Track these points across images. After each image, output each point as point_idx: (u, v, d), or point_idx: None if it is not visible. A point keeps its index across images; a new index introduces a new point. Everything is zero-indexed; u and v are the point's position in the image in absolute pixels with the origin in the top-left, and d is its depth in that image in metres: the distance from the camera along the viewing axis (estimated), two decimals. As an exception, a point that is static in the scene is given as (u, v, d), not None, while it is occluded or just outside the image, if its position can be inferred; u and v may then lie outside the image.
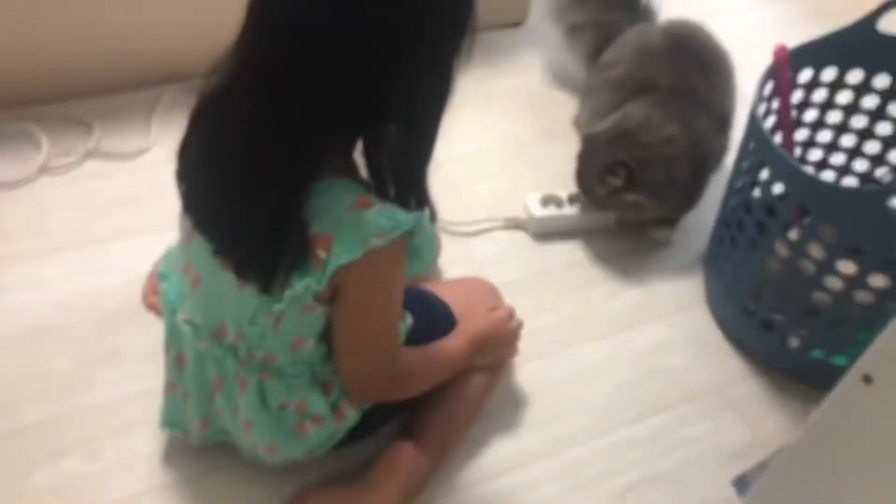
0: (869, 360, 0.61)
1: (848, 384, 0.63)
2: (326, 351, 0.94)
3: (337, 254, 0.80)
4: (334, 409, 0.97)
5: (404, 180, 0.85)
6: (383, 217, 0.81)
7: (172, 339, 0.99)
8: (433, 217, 0.89)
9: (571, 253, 1.41)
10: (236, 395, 0.95)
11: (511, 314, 1.15)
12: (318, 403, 0.95)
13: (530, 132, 1.61)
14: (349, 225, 0.80)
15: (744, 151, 1.20)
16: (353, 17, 0.73)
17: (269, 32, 0.77)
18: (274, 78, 0.77)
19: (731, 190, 1.26)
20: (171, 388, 1.02)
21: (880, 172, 1.41)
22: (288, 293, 0.83)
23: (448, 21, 0.79)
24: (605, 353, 1.27)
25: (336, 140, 0.82)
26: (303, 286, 0.82)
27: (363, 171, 0.85)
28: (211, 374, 0.95)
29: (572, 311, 1.32)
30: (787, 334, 1.22)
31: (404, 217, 0.83)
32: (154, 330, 1.08)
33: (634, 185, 1.32)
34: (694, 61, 1.42)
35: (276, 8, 0.76)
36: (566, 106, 1.63)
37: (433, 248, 0.94)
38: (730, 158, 1.35)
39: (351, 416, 0.98)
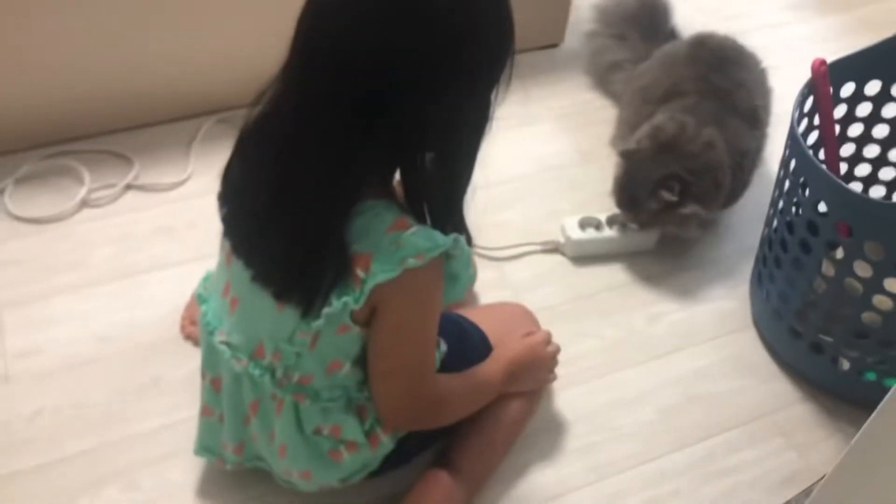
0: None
1: (889, 407, 0.60)
2: (362, 376, 0.93)
3: (374, 273, 0.81)
4: (369, 435, 0.96)
5: (441, 208, 0.86)
6: (421, 238, 0.82)
7: (210, 362, 0.99)
8: (469, 242, 0.89)
9: (610, 276, 1.38)
10: (272, 418, 0.94)
11: (548, 339, 1.12)
12: (352, 429, 0.94)
13: (567, 154, 1.59)
14: (387, 245, 0.81)
15: (784, 169, 1.17)
16: (394, 50, 0.75)
17: (312, 64, 0.79)
18: (316, 107, 0.79)
19: (774, 209, 1.23)
20: (207, 412, 1.01)
21: (932, 187, 1.36)
22: (326, 310, 0.83)
23: (487, 52, 0.81)
24: (647, 379, 1.24)
25: (375, 167, 0.83)
26: (341, 304, 0.83)
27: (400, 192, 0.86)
28: (248, 396, 0.95)
29: (613, 336, 1.29)
30: (837, 356, 1.18)
31: (441, 238, 0.83)
32: (191, 360, 1.09)
33: (688, 197, 1.29)
34: (714, 62, 1.42)
35: (319, 39, 0.78)
36: (603, 127, 1.61)
37: (469, 272, 0.93)
38: (772, 165, 1.31)
39: (386, 443, 0.97)
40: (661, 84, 1.45)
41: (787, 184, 1.16)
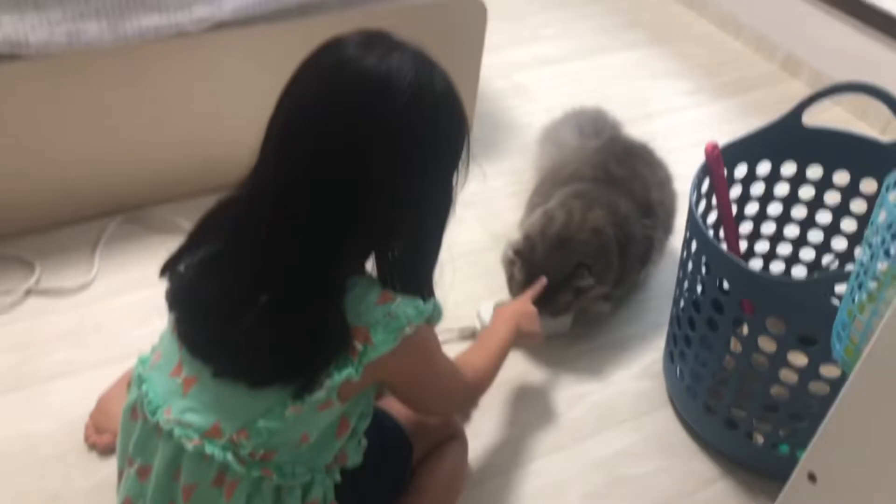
0: (811, 457, 0.59)
1: (794, 484, 0.61)
2: (327, 461, 0.94)
3: (376, 345, 0.85)
4: None
5: (412, 284, 0.90)
6: (409, 307, 0.87)
7: (142, 448, 0.94)
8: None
9: (528, 361, 1.39)
10: (213, 500, 0.90)
11: (528, 307, 1.25)
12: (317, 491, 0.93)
13: (480, 240, 1.61)
14: (382, 317, 0.85)
15: (687, 250, 1.21)
16: (362, 153, 0.81)
17: (285, 163, 0.83)
18: (292, 205, 0.83)
19: (680, 289, 1.26)
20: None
21: (827, 260, 1.42)
22: (328, 383, 0.85)
23: (448, 145, 0.87)
24: (570, 464, 1.23)
25: (356, 248, 0.87)
26: (343, 376, 0.84)
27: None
28: (185, 479, 0.90)
29: (534, 422, 1.29)
30: (751, 431, 1.20)
31: (422, 305, 0.88)
32: (97, 470, 1.03)
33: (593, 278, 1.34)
34: (620, 154, 1.49)
35: (291, 142, 0.83)
36: (512, 213, 1.64)
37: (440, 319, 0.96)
38: (676, 245, 1.35)
39: None
40: (567, 168, 1.50)
41: (690, 264, 1.20)
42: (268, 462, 0.89)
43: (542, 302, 1.35)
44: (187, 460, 0.89)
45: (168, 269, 0.92)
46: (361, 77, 0.80)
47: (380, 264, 0.89)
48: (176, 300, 0.91)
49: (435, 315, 0.91)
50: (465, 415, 1.28)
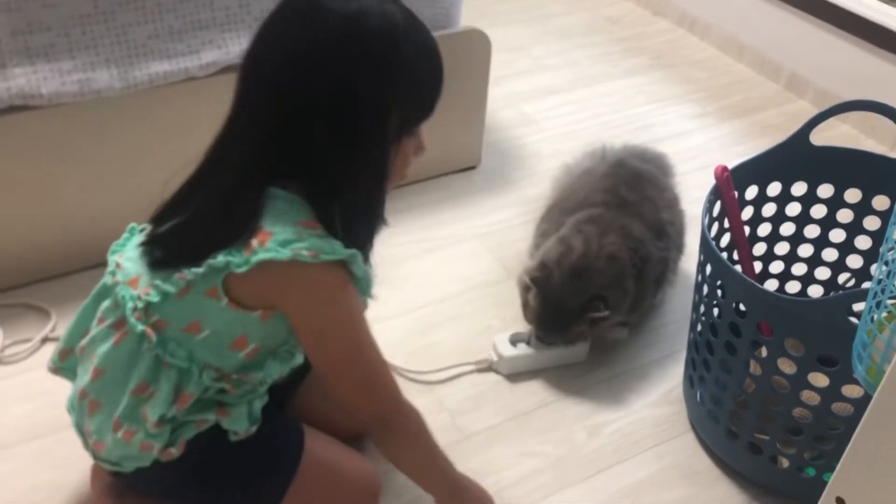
0: (838, 481, 0.58)
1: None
2: (209, 362, 0.95)
3: (268, 248, 0.87)
4: (162, 424, 0.95)
5: (344, 231, 0.92)
6: (322, 241, 0.89)
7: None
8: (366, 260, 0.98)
9: (546, 391, 1.38)
10: (105, 340, 0.97)
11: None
12: (158, 402, 0.94)
13: (493, 272, 1.61)
14: (290, 234, 0.88)
15: (702, 274, 1.20)
16: (323, 81, 0.88)
17: (247, 80, 0.92)
18: (247, 110, 0.92)
19: (696, 313, 1.25)
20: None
21: (843, 278, 1.41)
22: (210, 261, 0.89)
23: (368, 99, 0.89)
24: (593, 496, 1.22)
25: (297, 164, 0.91)
26: (224, 261, 0.88)
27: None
28: (109, 312, 0.98)
29: (555, 454, 1.28)
30: (776, 455, 1.18)
31: (340, 248, 0.90)
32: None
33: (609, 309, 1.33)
34: (628, 178, 1.49)
35: (255, 61, 0.92)
36: (524, 243, 1.64)
37: (369, 295, 0.98)
38: (692, 268, 1.35)
39: (149, 456, 0.97)
40: (576, 196, 1.50)
41: (705, 288, 1.19)
42: (158, 329, 0.94)
43: (556, 330, 1.35)
44: (109, 296, 0.99)
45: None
46: (328, 13, 0.87)
47: (317, 204, 0.92)
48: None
49: (356, 267, 0.91)
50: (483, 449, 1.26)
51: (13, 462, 1.21)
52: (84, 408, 1.00)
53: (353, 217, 0.94)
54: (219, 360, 0.96)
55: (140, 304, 0.94)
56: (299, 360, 1.06)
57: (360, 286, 0.95)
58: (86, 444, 1.02)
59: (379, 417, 1.01)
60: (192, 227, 0.94)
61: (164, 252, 0.95)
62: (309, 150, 0.90)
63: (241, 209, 0.90)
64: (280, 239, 0.87)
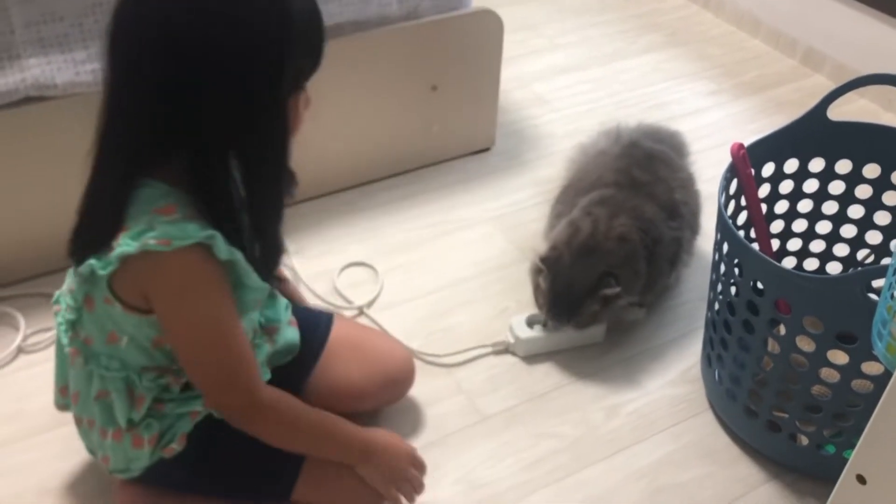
0: (859, 458, 0.57)
1: (843, 487, 0.59)
2: (145, 363, 0.96)
3: (120, 244, 0.84)
4: (132, 429, 0.97)
5: (214, 213, 0.87)
6: (174, 227, 0.84)
7: None
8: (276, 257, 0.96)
9: (563, 372, 1.38)
10: (67, 365, 1.01)
11: (416, 455, 1.10)
12: (120, 409, 0.96)
13: (508, 254, 1.61)
14: (143, 224, 0.84)
15: (719, 252, 1.20)
16: (193, 42, 0.81)
17: (117, 44, 0.84)
18: (119, 85, 0.86)
19: (714, 291, 1.25)
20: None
21: (862, 255, 1.40)
22: (78, 269, 0.89)
23: (263, 55, 0.84)
24: (612, 475, 1.22)
25: (169, 148, 0.86)
26: (88, 267, 0.87)
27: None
28: (63, 338, 0.99)
29: (572, 434, 1.28)
30: (795, 433, 1.18)
31: (194, 231, 0.84)
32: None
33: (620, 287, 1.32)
34: (641, 159, 1.47)
35: (123, 21, 0.84)
36: (538, 224, 1.63)
37: (254, 279, 0.92)
38: (708, 247, 1.34)
39: (144, 453, 0.98)
40: (589, 177, 1.49)
41: (722, 266, 1.18)
42: (88, 345, 0.96)
43: (568, 312, 1.34)
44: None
45: None
46: None
47: (195, 172, 0.87)
48: None
49: (217, 249, 0.85)
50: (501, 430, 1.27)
51: (38, 451, 1.23)
52: (85, 430, 1.04)
53: (264, 184, 0.89)
54: (150, 360, 0.97)
55: (64, 325, 0.97)
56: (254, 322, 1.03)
57: (236, 270, 0.90)
58: (102, 464, 1.06)
59: (232, 410, 0.96)
60: (76, 231, 0.93)
61: (71, 257, 0.94)
62: (197, 123, 0.84)
63: (105, 210, 0.88)
64: (132, 232, 0.84)
